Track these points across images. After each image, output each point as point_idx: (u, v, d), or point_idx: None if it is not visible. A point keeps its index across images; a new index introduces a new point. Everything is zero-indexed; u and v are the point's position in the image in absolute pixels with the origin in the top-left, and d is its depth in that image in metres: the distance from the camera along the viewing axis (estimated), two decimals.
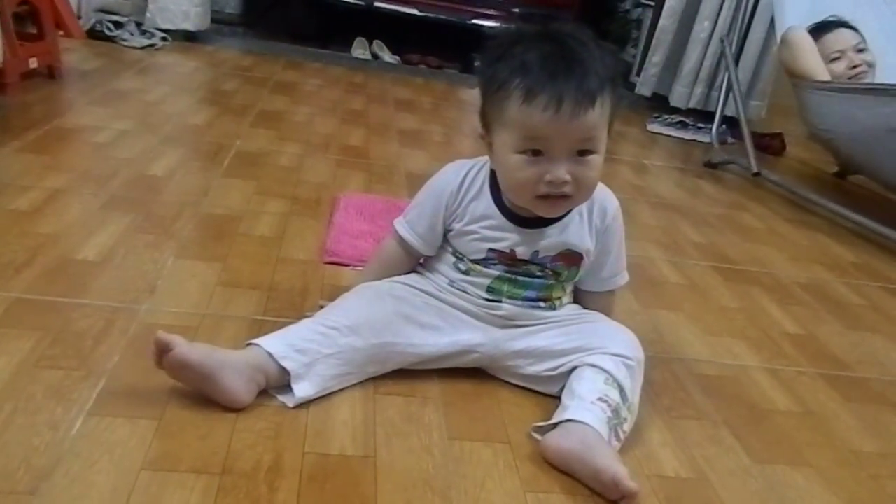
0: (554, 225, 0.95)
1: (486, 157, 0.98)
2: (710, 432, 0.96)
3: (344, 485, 0.76)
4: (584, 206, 0.96)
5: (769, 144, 2.77)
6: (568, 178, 0.86)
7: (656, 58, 3.28)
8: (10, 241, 1.13)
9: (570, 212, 0.96)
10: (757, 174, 2.20)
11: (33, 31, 2.05)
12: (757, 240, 1.79)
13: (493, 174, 0.96)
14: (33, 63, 1.98)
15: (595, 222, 0.97)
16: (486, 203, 0.96)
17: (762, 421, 1.01)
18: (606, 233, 0.99)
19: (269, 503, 0.71)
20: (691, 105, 3.20)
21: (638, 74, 3.62)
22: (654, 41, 3.31)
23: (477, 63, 3.75)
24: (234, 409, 0.83)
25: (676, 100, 3.23)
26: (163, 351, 0.81)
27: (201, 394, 0.83)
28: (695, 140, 2.82)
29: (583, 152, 0.86)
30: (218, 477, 0.73)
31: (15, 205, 1.26)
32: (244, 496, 0.72)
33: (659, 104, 3.19)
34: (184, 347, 0.81)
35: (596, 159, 0.88)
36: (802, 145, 2.81)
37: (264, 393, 0.86)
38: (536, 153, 0.86)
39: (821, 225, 1.97)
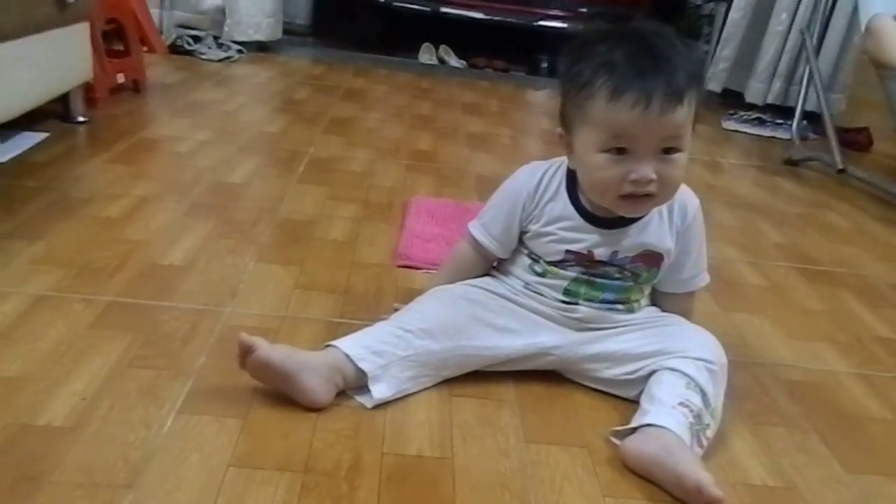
0: (633, 225, 0.93)
1: (562, 159, 0.97)
2: (799, 440, 0.92)
3: (422, 485, 0.76)
4: (664, 206, 0.94)
5: (854, 140, 2.65)
6: (654, 176, 0.84)
7: (726, 52, 3.18)
8: (103, 247, 1.20)
9: (649, 212, 0.94)
10: (842, 171, 2.10)
11: (120, 47, 2.16)
12: (842, 239, 1.71)
13: (569, 175, 0.95)
14: (120, 78, 2.09)
15: (675, 222, 0.95)
16: (564, 204, 0.95)
17: (854, 429, 0.96)
18: (687, 232, 0.96)
19: (351, 501, 0.73)
20: (769, 101, 3.10)
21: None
22: (723, 35, 3.21)
23: (544, 65, 3.73)
24: (314, 409, 0.85)
25: (752, 96, 3.13)
26: (246, 352, 0.84)
27: (283, 394, 0.85)
28: (773, 137, 2.72)
29: (668, 150, 0.85)
30: (301, 475, 0.75)
31: (107, 213, 1.33)
32: (326, 494, 0.73)
33: (731, 101, 3.09)
34: (265, 349, 0.84)
35: (681, 158, 0.86)
36: (891, 140, 2.67)
37: (343, 394, 0.88)
38: (621, 151, 0.85)
39: None
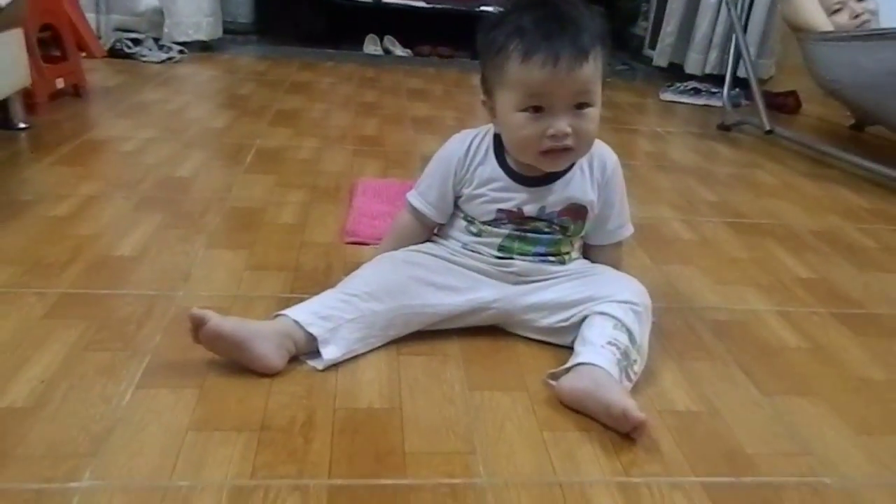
0: (557, 181, 1.00)
1: (489, 126, 1.03)
2: (721, 370, 1.00)
3: (373, 434, 0.82)
4: (584, 163, 1.01)
5: (783, 103, 2.77)
6: (569, 130, 0.91)
7: (670, 27, 3.29)
8: (53, 244, 1.22)
9: (572, 168, 1.00)
10: (769, 132, 2.21)
11: (57, 53, 2.15)
12: (771, 195, 1.81)
13: (496, 140, 1.01)
14: (60, 83, 2.08)
15: (596, 176, 1.02)
16: (492, 166, 1.01)
17: (772, 358, 1.05)
18: (608, 185, 1.03)
19: (305, 453, 0.78)
20: (708, 71, 3.21)
21: (651, 47, 3.63)
22: (666, 11, 3.32)
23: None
24: (268, 374, 0.90)
25: (692, 67, 3.24)
26: (198, 325, 0.88)
27: (237, 363, 0.90)
28: (708, 105, 2.83)
29: (580, 105, 0.91)
30: (257, 433, 0.80)
31: (54, 212, 1.35)
32: (282, 448, 0.78)
33: (675, 74, 3.19)
34: (217, 320, 0.88)
35: (593, 112, 0.93)
36: (818, 101, 2.79)
37: (295, 360, 0.93)
38: (537, 110, 0.91)
39: (837, 177, 1.98)
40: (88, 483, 0.72)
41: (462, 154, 1.02)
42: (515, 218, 1.01)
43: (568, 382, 0.88)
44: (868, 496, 0.78)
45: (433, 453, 0.79)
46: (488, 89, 0.97)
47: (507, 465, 0.79)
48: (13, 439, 0.76)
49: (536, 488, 0.76)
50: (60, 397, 0.84)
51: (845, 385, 0.99)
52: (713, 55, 3.24)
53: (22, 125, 1.80)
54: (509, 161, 1.00)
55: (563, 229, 1.02)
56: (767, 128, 2.20)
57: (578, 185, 1.01)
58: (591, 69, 0.90)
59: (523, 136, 0.93)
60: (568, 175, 1.00)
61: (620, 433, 0.84)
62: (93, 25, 2.73)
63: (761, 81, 2.87)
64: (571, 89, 0.90)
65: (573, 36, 0.88)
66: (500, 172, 1.00)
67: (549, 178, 1.00)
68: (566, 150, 0.93)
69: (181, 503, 0.70)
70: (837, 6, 2.06)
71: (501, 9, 0.96)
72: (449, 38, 3.70)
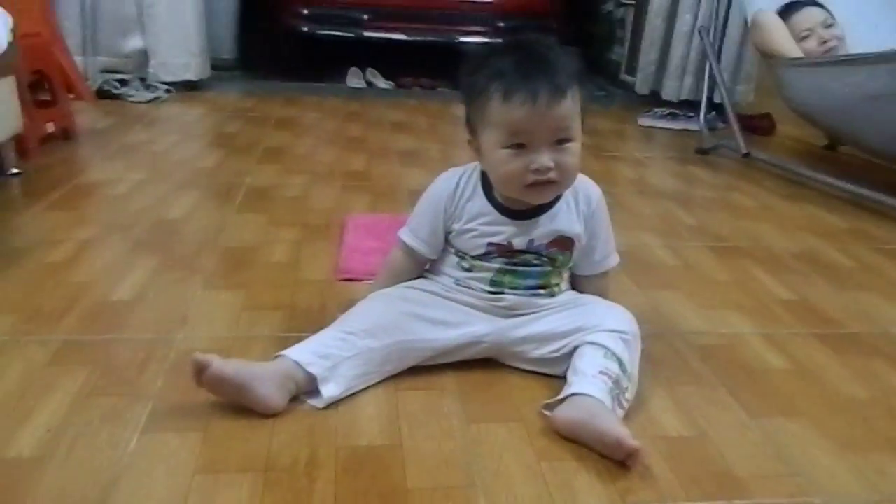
0: (544, 214, 1.04)
1: (475, 163, 1.07)
2: (709, 394, 1.03)
3: (375, 471, 0.84)
4: (570, 196, 1.05)
5: (758, 125, 2.85)
6: (551, 164, 0.95)
7: (652, 56, 3.38)
8: (51, 291, 1.24)
9: (558, 201, 1.04)
10: (746, 154, 2.27)
11: (47, 97, 2.17)
12: (749, 217, 1.87)
13: (483, 176, 1.05)
14: (50, 127, 2.11)
15: (581, 209, 1.06)
16: (481, 202, 1.05)
17: (758, 380, 1.08)
18: (593, 217, 1.07)
19: (310, 492, 0.80)
20: (683, 97, 3.29)
21: (628, 73, 3.72)
22: (644, 40, 3.40)
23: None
24: (270, 415, 0.92)
25: (668, 93, 3.32)
26: (201, 370, 0.90)
27: (239, 405, 0.92)
28: (685, 129, 2.90)
29: (561, 141, 0.96)
30: (263, 474, 0.82)
31: (50, 258, 1.37)
32: (287, 488, 0.80)
33: (651, 100, 3.27)
34: (219, 364, 0.90)
35: (574, 146, 0.97)
36: (793, 122, 2.86)
37: (296, 399, 0.95)
38: (520, 146, 0.95)
39: (813, 197, 2.04)
40: None
41: (451, 191, 1.06)
42: (505, 252, 1.04)
43: (562, 413, 0.91)
44: None
45: (435, 489, 0.82)
46: (473, 129, 1.01)
47: (506, 497, 0.81)
48: (22, 490, 0.78)
49: None
50: (67, 446, 0.85)
51: (829, 404, 1.03)
52: (688, 81, 3.33)
53: (14, 171, 1.82)
54: (497, 196, 1.04)
55: (552, 261, 1.06)
56: (744, 151, 2.27)
57: (565, 218, 1.05)
58: (569, 106, 0.95)
59: (508, 171, 0.97)
60: (554, 209, 1.04)
61: (615, 461, 0.87)
62: (80, 68, 2.76)
63: (739, 106, 2.95)
64: (551, 126, 0.94)
65: (550, 76, 0.93)
66: (489, 207, 1.04)
67: (536, 212, 1.03)
68: (550, 182, 0.97)
69: None
70: (806, 33, 2.14)
71: (481, 51, 1.01)
72: (430, 69, 3.77)
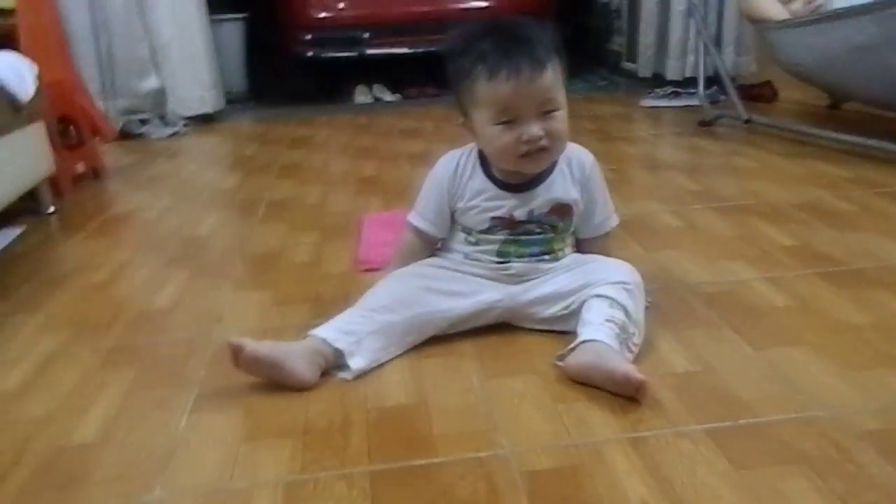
0: (541, 185, 1.11)
1: (472, 145, 1.14)
2: (714, 334, 1.09)
3: (403, 424, 0.91)
4: (563, 164, 1.12)
5: (760, 94, 2.88)
6: (541, 133, 1.02)
7: (649, 39, 3.43)
8: (96, 307, 1.34)
9: (553, 172, 1.11)
10: (748, 121, 2.31)
11: (74, 141, 2.30)
12: (752, 177, 1.91)
13: (481, 155, 1.13)
14: (80, 167, 2.24)
15: (576, 175, 1.13)
16: (481, 179, 1.12)
17: (761, 318, 1.13)
18: (588, 182, 1.14)
19: (346, 447, 0.87)
20: (687, 75, 3.33)
21: (629, 61, 3.77)
22: (642, 24, 3.46)
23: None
24: (304, 389, 1.00)
25: (671, 73, 3.36)
26: (237, 352, 0.99)
27: (275, 382, 1.00)
28: (689, 106, 2.94)
29: (548, 111, 1.03)
30: (301, 437, 0.90)
31: (92, 280, 1.47)
32: (325, 446, 0.88)
33: (657, 83, 3.31)
34: (253, 345, 0.99)
35: (560, 114, 1.04)
36: (794, 87, 2.89)
37: (326, 374, 1.03)
38: (510, 121, 1.02)
39: (815, 153, 2.07)
40: (160, 494, 0.82)
41: (452, 171, 1.14)
42: (508, 224, 1.11)
43: (574, 359, 0.98)
44: (858, 421, 0.86)
45: (459, 433, 0.89)
46: (464, 111, 1.09)
47: (526, 435, 0.88)
48: (90, 467, 0.87)
49: (555, 451, 0.85)
50: (124, 431, 0.94)
51: (831, 331, 1.07)
52: (690, 58, 3.37)
53: (51, 209, 1.94)
54: (495, 172, 1.11)
55: (553, 228, 1.13)
56: (745, 117, 2.31)
57: (560, 186, 1.11)
58: (551, 77, 1.02)
59: (501, 144, 1.04)
60: (549, 178, 1.11)
61: (626, 398, 0.93)
62: (102, 110, 2.90)
63: (742, 77, 2.99)
64: (536, 97, 1.01)
65: (529, 51, 1.00)
66: (488, 184, 1.11)
67: (533, 183, 1.10)
68: (542, 150, 1.04)
69: (244, 501, 0.80)
70: None
71: (462, 36, 1.08)
72: (434, 77, 3.86)
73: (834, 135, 2.05)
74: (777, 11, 2.15)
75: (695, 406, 0.91)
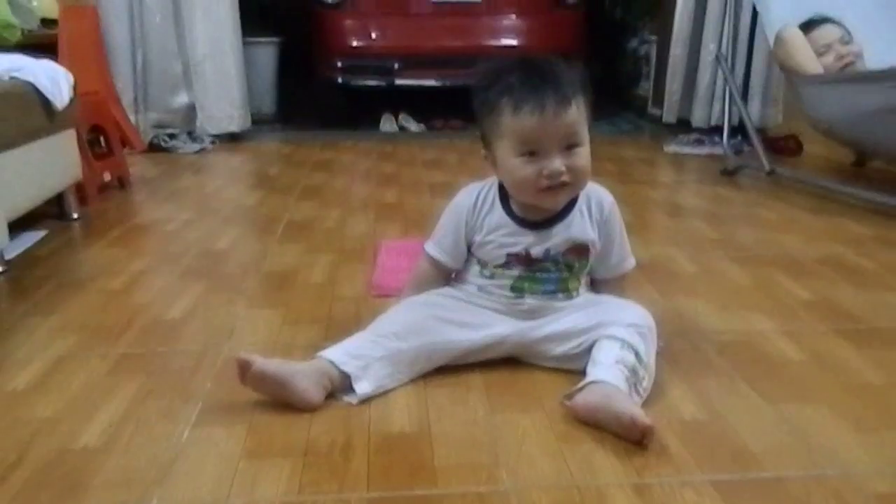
0: (559, 223, 1.11)
1: (493, 179, 1.15)
2: (726, 384, 1.07)
3: (405, 452, 0.91)
4: (583, 204, 1.12)
5: (785, 147, 2.87)
6: (563, 168, 1.02)
7: (675, 85, 3.45)
8: (110, 313, 1.35)
9: (572, 211, 1.11)
10: (771, 172, 2.31)
11: (103, 149, 2.35)
12: (773, 229, 1.90)
13: (501, 190, 1.13)
14: (107, 176, 2.28)
15: (595, 216, 1.13)
16: (499, 214, 1.12)
17: (776, 371, 1.12)
18: (607, 224, 1.14)
19: (346, 471, 0.87)
20: (713, 123, 3.34)
21: (655, 105, 3.79)
22: (669, 70, 3.48)
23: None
24: (308, 409, 0.99)
25: (698, 121, 3.37)
26: (244, 367, 0.99)
27: (280, 401, 1.00)
28: (712, 154, 2.94)
29: (570, 146, 1.03)
30: (302, 457, 0.89)
31: (110, 286, 1.49)
32: (324, 468, 0.87)
33: (682, 129, 3.32)
34: (261, 362, 0.99)
35: (583, 150, 1.05)
36: (820, 143, 2.89)
37: (331, 397, 1.03)
38: (532, 154, 1.03)
39: (839, 209, 2.05)
40: None
41: (471, 205, 1.14)
42: (524, 261, 1.11)
43: (581, 399, 0.97)
44: (870, 483, 0.84)
45: (461, 465, 0.88)
46: (487, 143, 1.10)
47: (528, 472, 0.87)
48: (91, 472, 0.87)
49: (556, 491, 0.83)
50: (128, 437, 0.94)
51: (846, 389, 1.05)
52: (717, 107, 3.38)
53: (75, 215, 1.97)
54: (514, 208, 1.11)
55: (569, 267, 1.12)
56: (768, 168, 2.30)
57: (579, 226, 1.11)
58: (576, 113, 1.02)
59: (522, 177, 1.05)
60: (569, 217, 1.11)
61: (633, 442, 0.91)
62: (133, 123, 2.97)
63: (768, 129, 2.99)
64: (560, 132, 1.02)
65: (556, 87, 1.01)
66: (507, 219, 1.12)
67: (552, 221, 1.10)
68: (563, 185, 1.04)
69: None
70: (823, 49, 2.19)
71: (490, 70, 1.09)
72: (460, 110, 3.90)
73: (858, 192, 2.03)
74: (813, 66, 2.15)
75: (702, 456, 0.90)
